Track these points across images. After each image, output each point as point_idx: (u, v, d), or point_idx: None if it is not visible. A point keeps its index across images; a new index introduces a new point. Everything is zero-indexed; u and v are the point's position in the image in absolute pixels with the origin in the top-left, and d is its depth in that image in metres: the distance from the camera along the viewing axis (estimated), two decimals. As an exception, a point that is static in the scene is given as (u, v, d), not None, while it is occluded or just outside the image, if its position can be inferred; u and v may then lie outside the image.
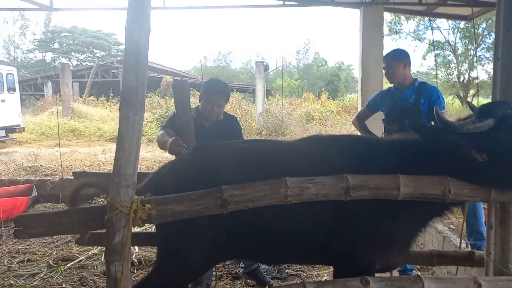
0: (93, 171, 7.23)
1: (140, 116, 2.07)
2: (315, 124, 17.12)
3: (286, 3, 6.98)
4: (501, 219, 2.24)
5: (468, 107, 2.49)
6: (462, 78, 24.76)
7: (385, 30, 25.24)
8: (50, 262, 4.19)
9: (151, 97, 19.62)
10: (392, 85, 4.00)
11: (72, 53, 40.83)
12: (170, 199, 2.16)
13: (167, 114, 12.76)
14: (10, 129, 11.68)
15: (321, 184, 2.12)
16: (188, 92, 3.07)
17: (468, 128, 1.93)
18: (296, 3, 7.49)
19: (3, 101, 11.34)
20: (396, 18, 24.62)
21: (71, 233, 2.20)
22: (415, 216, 2.18)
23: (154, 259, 2.73)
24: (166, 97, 18.70)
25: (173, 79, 3.22)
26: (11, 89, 12.04)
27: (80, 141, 13.23)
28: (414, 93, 3.74)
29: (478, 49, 21.66)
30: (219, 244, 2.23)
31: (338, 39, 74.05)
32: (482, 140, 1.90)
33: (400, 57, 3.82)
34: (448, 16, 8.28)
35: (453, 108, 19.75)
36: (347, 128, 16.01)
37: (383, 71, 3.99)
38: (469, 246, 3.54)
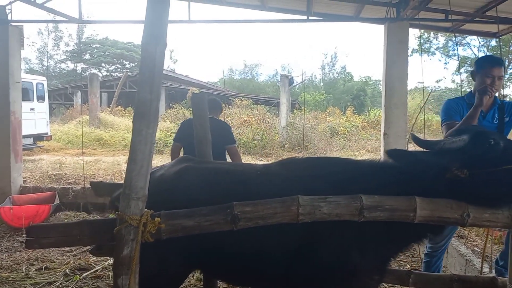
0: (112, 181, 7.31)
1: (153, 129, 2.07)
2: (339, 139, 16.97)
3: (310, 18, 6.98)
4: (525, 246, 2.13)
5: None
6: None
7: (413, 45, 24.99)
8: (67, 271, 4.23)
9: (176, 108, 19.90)
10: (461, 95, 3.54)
11: (103, 64, 41.97)
12: (180, 214, 2.14)
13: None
14: (38, 137, 12.00)
15: (335, 203, 2.07)
16: (206, 105, 3.08)
17: (445, 143, 1.96)
18: (321, 18, 7.47)
19: (32, 109, 11.68)
20: (425, 34, 24.37)
21: (81, 244, 2.20)
22: (384, 246, 2.15)
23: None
24: (192, 109, 18.88)
25: (192, 92, 3.23)
26: (40, 98, 12.41)
27: (105, 150, 13.48)
28: (498, 112, 3.31)
29: (509, 67, 21.11)
30: (192, 260, 2.30)
31: (365, 54, 73.55)
32: (460, 156, 1.93)
33: (505, 68, 3.44)
34: (475, 33, 8.10)
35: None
36: (372, 143, 15.79)
37: (484, 81, 3.21)
38: (493, 271, 3.37)
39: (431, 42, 26.56)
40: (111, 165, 9.84)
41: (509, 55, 21.00)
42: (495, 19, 5.52)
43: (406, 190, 1.99)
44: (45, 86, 12.96)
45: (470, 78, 3.44)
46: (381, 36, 6.89)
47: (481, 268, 2.99)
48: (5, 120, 6.67)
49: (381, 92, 7.98)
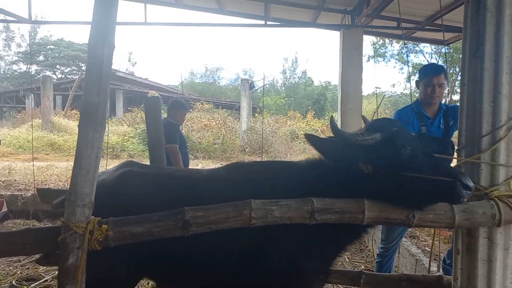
0: (64, 188, 7.05)
1: (100, 133, 2.01)
2: (299, 143, 17.18)
3: (268, 23, 7.04)
4: (467, 244, 2.22)
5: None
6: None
7: (370, 52, 25.77)
8: (14, 282, 4.03)
9: (135, 112, 19.48)
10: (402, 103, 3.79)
11: (58, 66, 40.49)
12: (129, 220, 2.08)
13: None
14: (-15, 142, 11.43)
15: (287, 207, 2.08)
16: (160, 109, 3.03)
17: (357, 139, 2.03)
18: (278, 24, 7.56)
19: (-20, 113, 11.10)
20: (381, 41, 25.18)
21: (25, 254, 2.11)
22: (328, 247, 2.23)
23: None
24: (145, 113, 18.55)
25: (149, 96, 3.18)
26: (-11, 101, 11.82)
27: (58, 155, 13.01)
28: (443, 117, 3.47)
29: (460, 74, 22.03)
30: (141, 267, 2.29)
31: (325, 59, 75.10)
32: (369, 153, 2.00)
33: (447, 73, 3.52)
34: (425, 41, 8.46)
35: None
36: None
37: (426, 89, 3.44)
38: (441, 269, 3.51)
39: (386, 48, 27.48)
40: (64, 171, 9.50)
41: (459, 63, 22.02)
42: (442, 28, 5.78)
43: (337, 188, 2.09)
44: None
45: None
46: (337, 42, 7.06)
47: (429, 267, 3.10)
48: None
49: (339, 96, 8.16)
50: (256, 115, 20.81)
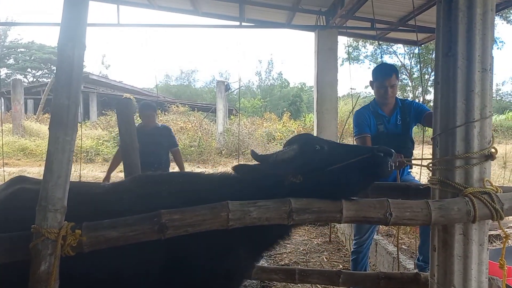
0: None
1: (72, 136, 1.95)
2: (275, 144, 17.25)
3: (243, 24, 7.04)
4: (443, 241, 2.25)
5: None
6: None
7: (343, 54, 26.13)
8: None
9: (109, 115, 19.17)
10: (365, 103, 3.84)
11: (29, 70, 39.49)
12: (104, 225, 2.03)
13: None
14: (-48, 148, 10.97)
15: (264, 207, 2.07)
16: (132, 111, 2.97)
17: (277, 155, 2.16)
18: (254, 25, 7.57)
19: None
20: (354, 42, 25.57)
21: (-6, 262, 2.01)
22: (250, 250, 2.30)
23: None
24: (117, 115, 18.29)
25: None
26: (-45, 105, 11.41)
27: (30, 160, 12.67)
28: (400, 114, 3.57)
29: (433, 73, 22.72)
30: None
31: (300, 60, 75.74)
32: (295, 164, 2.13)
33: (398, 73, 3.60)
34: (399, 41, 8.62)
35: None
36: (307, 148, 16.19)
37: (379, 91, 3.56)
38: (416, 266, 3.56)
39: (359, 50, 27.90)
40: (37, 176, 9.22)
41: (432, 62, 22.58)
42: (415, 28, 5.91)
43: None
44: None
45: None
46: (313, 43, 7.11)
47: (398, 264, 3.14)
48: None
49: (315, 98, 8.23)
50: (232, 117, 20.78)
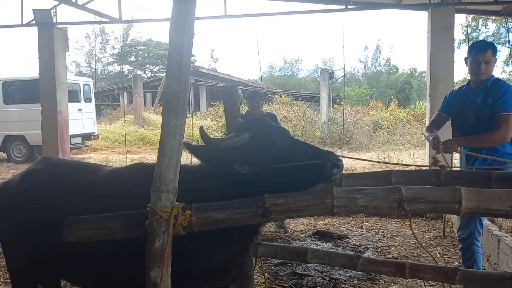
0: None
1: (182, 120, 2.04)
2: (382, 133, 16.53)
3: (349, 7, 6.79)
4: None
5: None
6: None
7: (460, 35, 23.88)
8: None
9: (217, 107, 20.11)
10: (464, 83, 3.64)
11: (147, 65, 43.10)
12: (211, 207, 2.11)
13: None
14: (86, 137, 12.47)
15: (372, 195, 1.97)
16: (238, 97, 3.04)
17: (227, 143, 2.11)
18: (360, 7, 7.25)
19: (80, 110, 12.13)
20: (473, 21, 23.21)
21: (115, 237, 2.21)
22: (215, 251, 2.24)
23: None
24: (223, 102, 19.00)
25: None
26: (87, 99, 12.89)
27: (149, 148, 13.84)
28: (484, 93, 3.34)
29: None
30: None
31: (410, 45, 71.19)
32: (243, 153, 2.08)
33: (496, 50, 3.39)
34: (530, 15, 7.57)
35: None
36: (417, 137, 15.24)
37: (472, 66, 3.37)
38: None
39: (479, 30, 25.26)
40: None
41: None
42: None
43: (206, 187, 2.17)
44: (92, 87, 13.48)
45: None
46: (425, 23, 6.59)
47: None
48: (53, 120, 6.98)
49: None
50: (336, 106, 20.37)
